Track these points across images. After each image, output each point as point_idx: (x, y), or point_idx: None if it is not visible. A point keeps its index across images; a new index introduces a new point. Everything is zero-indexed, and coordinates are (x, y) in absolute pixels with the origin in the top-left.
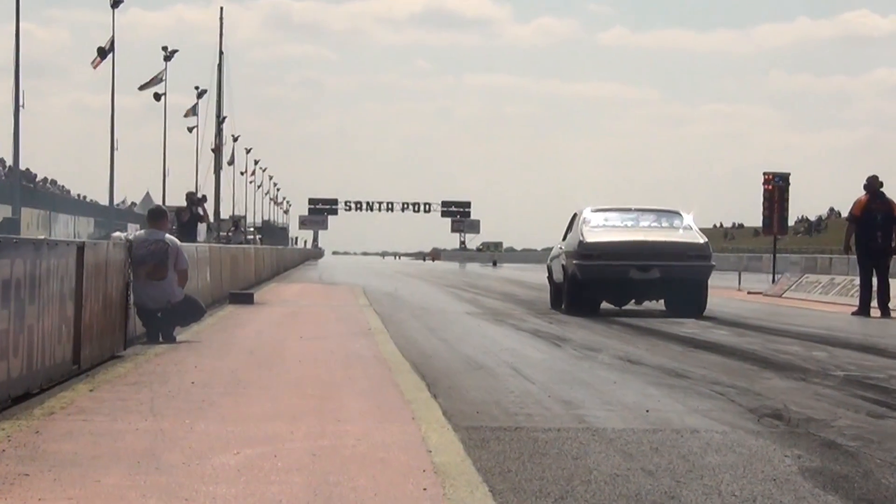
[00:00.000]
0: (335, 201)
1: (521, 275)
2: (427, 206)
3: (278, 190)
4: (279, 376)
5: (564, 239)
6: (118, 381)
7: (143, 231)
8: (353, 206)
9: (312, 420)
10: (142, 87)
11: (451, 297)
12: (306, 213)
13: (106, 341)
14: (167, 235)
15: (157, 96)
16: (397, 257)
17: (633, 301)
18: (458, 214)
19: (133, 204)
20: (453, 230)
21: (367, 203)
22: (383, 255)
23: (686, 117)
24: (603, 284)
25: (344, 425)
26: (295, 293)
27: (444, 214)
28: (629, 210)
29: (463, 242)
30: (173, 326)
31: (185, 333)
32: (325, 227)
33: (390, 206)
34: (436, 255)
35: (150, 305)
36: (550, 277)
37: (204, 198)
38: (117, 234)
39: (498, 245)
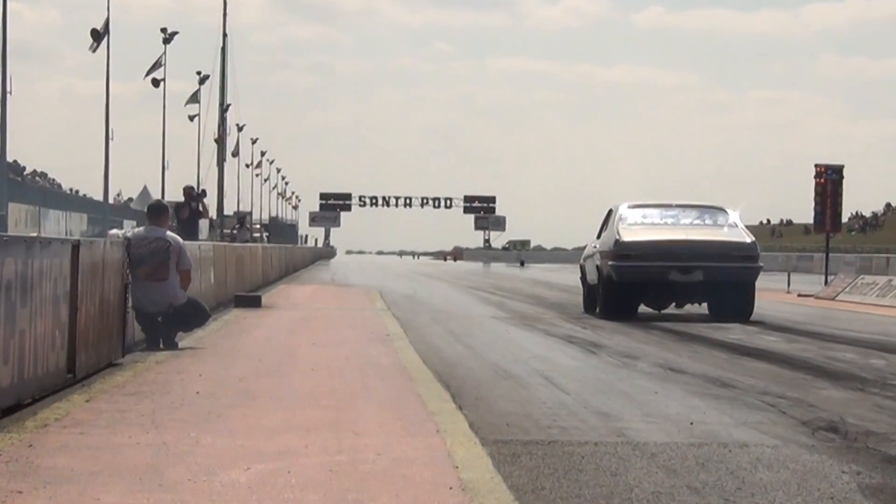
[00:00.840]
0: (348, 196)
1: (551, 276)
2: (448, 202)
3: (287, 184)
4: (291, 386)
5: (599, 237)
6: (116, 391)
7: (142, 228)
8: (367, 201)
9: (328, 433)
10: (147, 75)
11: (476, 299)
12: (317, 208)
13: (103, 348)
14: (168, 233)
15: (155, 82)
16: (416, 257)
17: (674, 304)
18: (482, 210)
19: (129, 199)
20: (477, 227)
21: (383, 198)
22: (400, 254)
23: (729, 105)
24: (641, 287)
25: (362, 439)
26: (306, 296)
27: (466, 210)
28: (669, 206)
29: (487, 241)
30: (175, 332)
31: (187, 339)
32: (338, 225)
33: (408, 201)
34: (458, 254)
35: (150, 309)
36: (584, 278)
37: (203, 192)
38: (114, 231)
39: (525, 243)
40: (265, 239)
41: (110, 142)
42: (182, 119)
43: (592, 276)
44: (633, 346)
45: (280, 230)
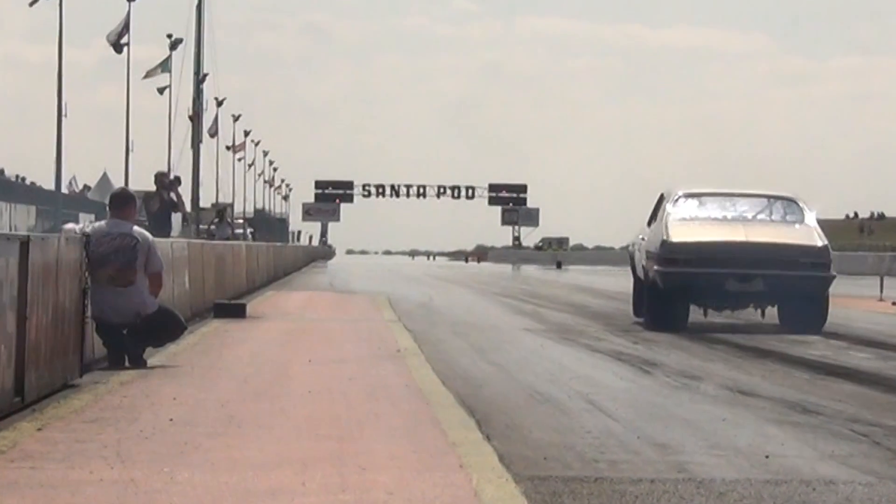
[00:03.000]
0: (349, 185)
1: (594, 280)
2: (470, 192)
3: (275, 170)
4: (283, 412)
5: (649, 225)
6: (74, 418)
7: (103, 222)
8: (372, 190)
9: (329, 468)
10: (112, 40)
11: (504, 308)
12: (312, 199)
13: (57, 366)
14: (135, 228)
15: (117, 47)
16: (431, 258)
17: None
18: (511, 202)
19: (86, 187)
20: (504, 222)
21: (392, 187)
22: (412, 254)
23: (809, 74)
24: (691, 295)
25: (371, 475)
26: (299, 304)
27: (492, 202)
28: (731, 195)
29: (517, 238)
30: (143, 347)
31: (158, 356)
32: (337, 219)
33: (421, 190)
34: (481, 254)
35: (114, 319)
36: (634, 269)
37: (177, 179)
38: (70, 225)
39: (563, 242)
40: (250, 236)
41: (63, 119)
42: (150, 92)
43: (641, 274)
44: (695, 363)
45: (267, 225)
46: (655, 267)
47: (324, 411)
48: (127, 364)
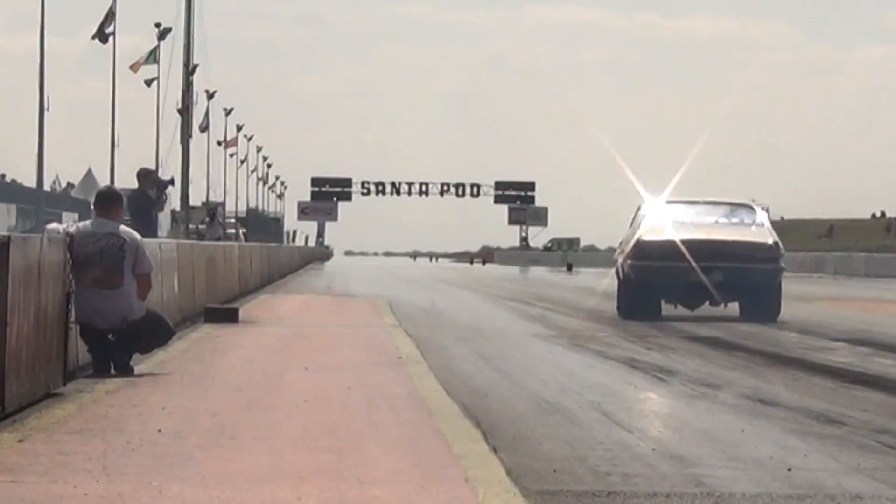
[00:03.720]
0: (348, 182)
1: (606, 283)
2: (475, 189)
3: (269, 166)
4: (278, 422)
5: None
6: (57, 429)
7: (88, 222)
8: (372, 188)
9: (326, 482)
10: (98, 32)
11: (512, 313)
12: (308, 198)
13: (39, 374)
14: (122, 227)
15: (103, 37)
16: (434, 259)
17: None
18: (518, 200)
19: (70, 185)
20: (511, 222)
21: (393, 185)
22: (414, 256)
23: (836, 65)
24: (661, 287)
25: (371, 489)
26: (295, 308)
27: (498, 200)
28: (696, 203)
29: (525, 239)
30: (130, 353)
31: (145, 363)
32: (334, 218)
33: (424, 188)
34: (487, 256)
35: (100, 324)
36: (617, 271)
37: (171, 181)
38: (54, 225)
39: (573, 242)
40: (242, 236)
41: (45, 112)
42: (137, 84)
43: (620, 271)
44: (713, 371)
45: (261, 225)
46: (629, 262)
47: (321, 422)
48: (113, 372)
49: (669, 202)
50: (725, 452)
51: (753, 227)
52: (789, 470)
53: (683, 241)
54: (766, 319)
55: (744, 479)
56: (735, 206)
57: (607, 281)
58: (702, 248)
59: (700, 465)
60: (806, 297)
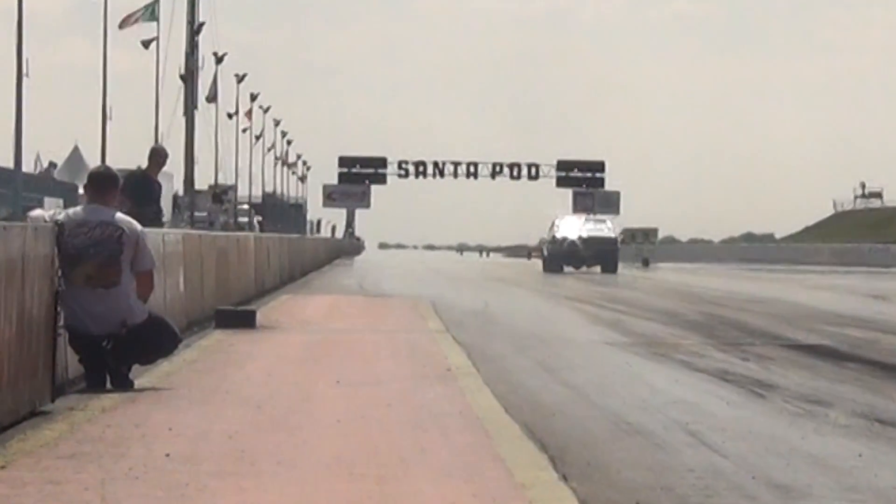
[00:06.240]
0: (382, 162)
1: (690, 280)
2: (533, 170)
3: (289, 143)
4: (307, 445)
5: (549, 231)
6: (45, 453)
7: (79, 208)
8: (410, 169)
9: None
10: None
11: (579, 316)
12: (335, 181)
13: (22, 388)
14: (119, 215)
15: None
16: (485, 254)
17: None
18: (585, 183)
19: (52, 165)
20: (577, 209)
21: (435, 165)
22: (461, 249)
23: None
24: (562, 256)
25: None
26: (322, 311)
27: (560, 183)
28: (580, 216)
29: None
30: (130, 364)
31: (147, 375)
32: (366, 205)
33: (472, 169)
34: None
35: (93, 329)
36: (542, 251)
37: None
38: (38, 212)
39: (649, 234)
40: (257, 225)
41: (24, 79)
42: (132, 46)
43: (545, 251)
44: (820, 385)
45: (280, 212)
46: (548, 246)
47: (358, 445)
48: (109, 386)
49: (565, 216)
50: (839, 481)
51: (605, 229)
52: None
53: (571, 237)
54: (609, 273)
55: None
56: (599, 220)
57: (690, 278)
58: (580, 240)
59: (810, 497)
60: None
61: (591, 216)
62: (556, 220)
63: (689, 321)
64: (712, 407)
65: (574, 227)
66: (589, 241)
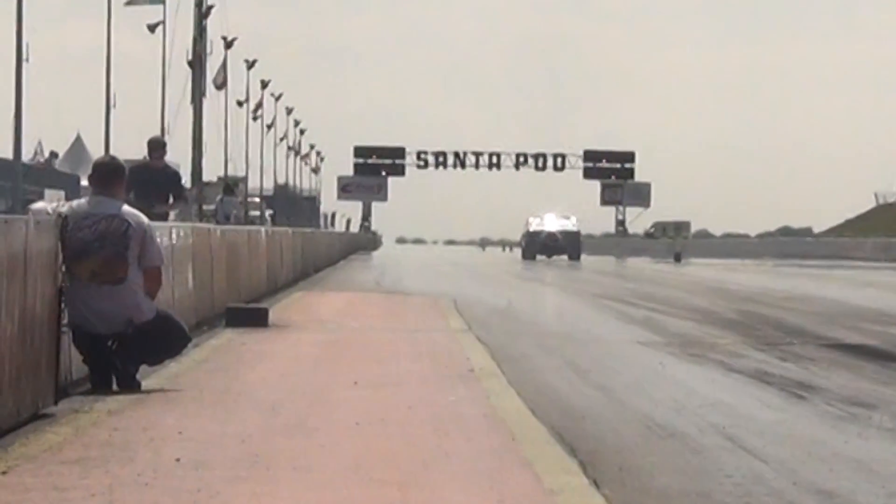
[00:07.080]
0: (400, 152)
1: (725, 277)
2: (559, 161)
3: (302, 133)
4: (324, 449)
5: (525, 226)
6: (49, 458)
7: (83, 200)
8: (430, 160)
9: None
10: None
11: (609, 314)
12: (350, 172)
13: (25, 390)
14: (126, 208)
15: None
16: (508, 249)
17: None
18: (614, 174)
19: (53, 155)
20: (605, 202)
21: (456, 155)
22: (483, 244)
23: None
24: (536, 247)
25: None
26: (337, 309)
27: (588, 174)
28: (551, 214)
29: (622, 223)
30: (137, 364)
31: (155, 376)
32: (383, 198)
33: (495, 159)
34: None
35: (99, 328)
36: (521, 242)
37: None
38: (40, 205)
39: (682, 227)
40: (269, 219)
41: (24, 64)
42: (137, 29)
43: (523, 243)
44: (864, 386)
45: (293, 205)
46: (526, 238)
47: (377, 449)
48: (115, 387)
49: (542, 214)
50: (885, 488)
51: (570, 225)
52: None
53: (546, 231)
54: (575, 261)
55: None
56: (565, 217)
57: (725, 274)
58: (551, 232)
59: None
60: None
61: (559, 214)
62: (529, 218)
63: (725, 319)
64: (751, 409)
65: (546, 223)
66: (560, 235)
